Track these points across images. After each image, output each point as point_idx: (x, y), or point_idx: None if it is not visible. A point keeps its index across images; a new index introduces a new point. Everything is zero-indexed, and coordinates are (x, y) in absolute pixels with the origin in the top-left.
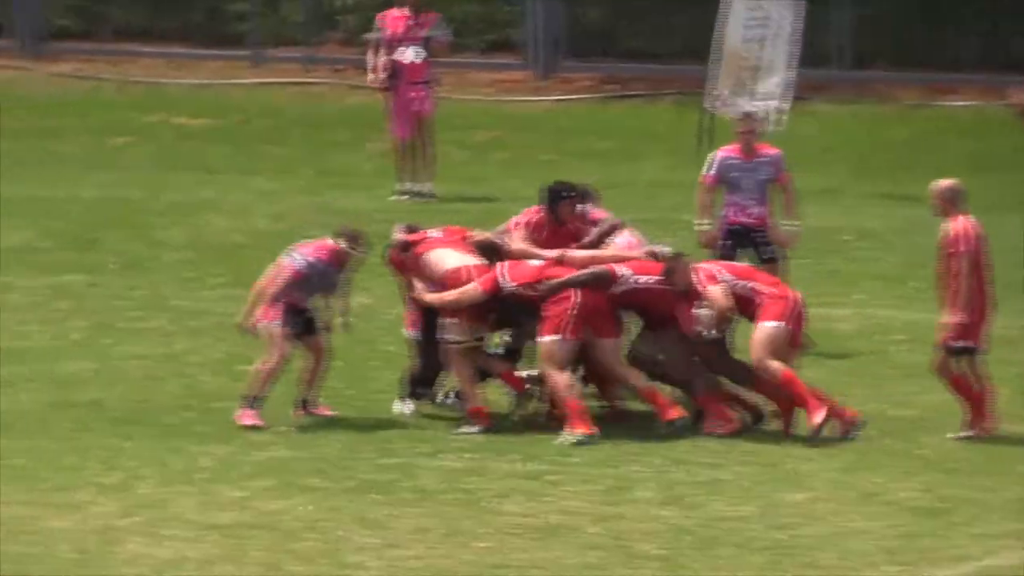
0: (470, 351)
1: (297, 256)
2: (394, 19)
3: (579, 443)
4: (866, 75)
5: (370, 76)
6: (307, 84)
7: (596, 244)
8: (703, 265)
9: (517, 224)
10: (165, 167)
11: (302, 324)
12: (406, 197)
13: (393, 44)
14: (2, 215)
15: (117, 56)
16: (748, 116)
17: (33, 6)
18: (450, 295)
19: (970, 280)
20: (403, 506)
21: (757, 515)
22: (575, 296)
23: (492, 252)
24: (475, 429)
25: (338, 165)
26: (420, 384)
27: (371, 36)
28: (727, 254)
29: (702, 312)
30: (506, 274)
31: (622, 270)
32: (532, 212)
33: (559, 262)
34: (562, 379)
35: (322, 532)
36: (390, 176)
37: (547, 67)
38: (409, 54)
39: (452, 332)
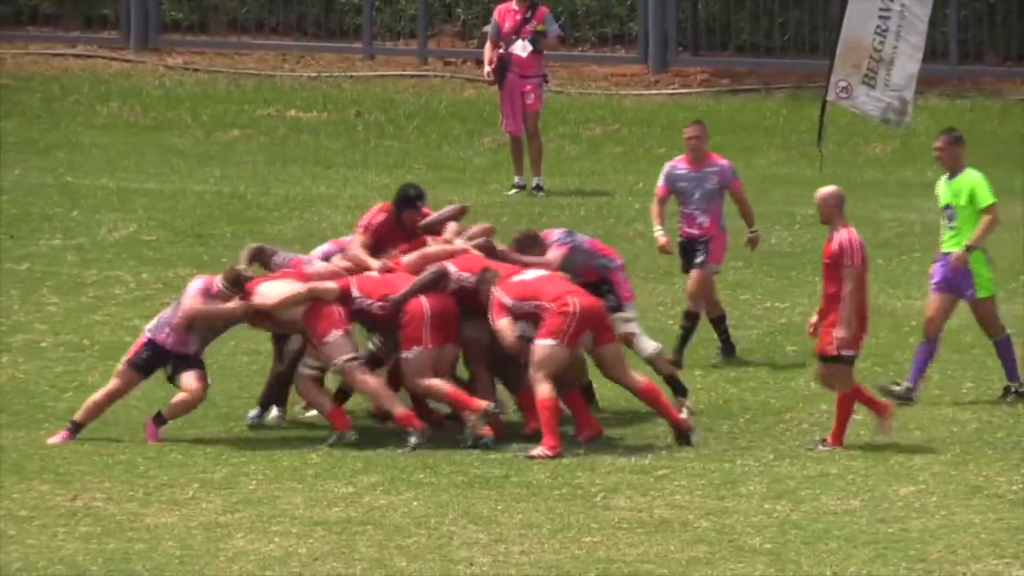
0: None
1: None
2: (505, 13)
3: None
4: (971, 70)
5: (486, 69)
6: (421, 77)
7: (435, 228)
8: (496, 292)
9: (364, 226)
10: (278, 161)
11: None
12: (514, 191)
13: (504, 38)
14: (111, 208)
15: (230, 49)
16: (696, 123)
17: (148, 1)
18: (302, 288)
19: (859, 292)
20: (512, 501)
21: (864, 509)
22: (424, 305)
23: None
24: (415, 441)
25: (452, 159)
26: (278, 392)
27: (487, 29)
28: (685, 269)
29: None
30: (355, 286)
31: (451, 267)
32: (376, 211)
33: (389, 270)
34: (433, 386)
35: (430, 527)
36: (503, 170)
37: (661, 61)
38: (519, 48)
39: (340, 351)
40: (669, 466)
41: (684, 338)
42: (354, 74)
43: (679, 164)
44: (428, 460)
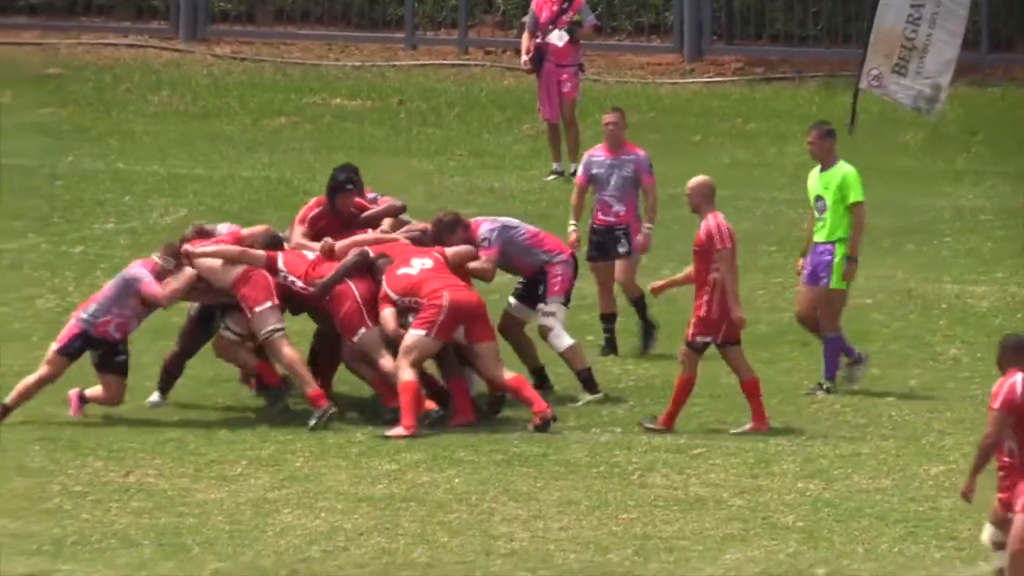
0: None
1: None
2: (543, 3)
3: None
4: (1002, 58)
5: (523, 58)
6: (462, 66)
7: (373, 223)
8: (384, 281)
9: (301, 219)
10: (323, 148)
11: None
12: (552, 177)
13: (541, 28)
14: (162, 193)
15: (276, 39)
16: (615, 110)
17: None
18: (234, 248)
19: (733, 274)
20: (551, 479)
21: (895, 488)
22: (354, 289)
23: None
24: (320, 414)
25: (492, 146)
26: (172, 374)
27: (525, 19)
28: (593, 255)
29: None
30: (281, 260)
31: (371, 253)
32: (312, 204)
33: (327, 253)
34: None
35: (471, 504)
36: (543, 157)
37: (696, 50)
38: (555, 37)
39: (268, 322)
40: (704, 445)
41: (644, 331)
42: (397, 63)
43: (596, 151)
44: (469, 439)
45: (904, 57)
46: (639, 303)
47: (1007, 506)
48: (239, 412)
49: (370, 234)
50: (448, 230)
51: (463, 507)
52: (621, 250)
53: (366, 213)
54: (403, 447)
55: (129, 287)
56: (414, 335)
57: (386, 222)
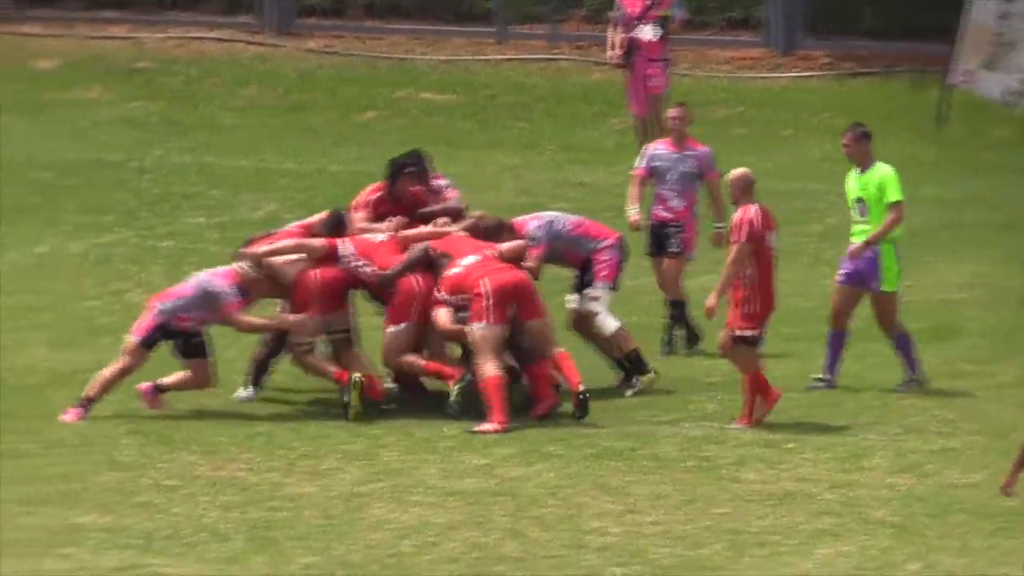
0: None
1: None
2: None
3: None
4: None
5: (608, 52)
6: (551, 60)
7: (428, 220)
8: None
9: (356, 205)
10: (412, 141)
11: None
12: None
13: (631, 22)
14: (251, 188)
15: (365, 33)
16: (679, 105)
17: None
18: (288, 242)
19: (745, 268)
20: (642, 473)
21: (988, 483)
22: (416, 283)
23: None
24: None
25: (581, 140)
26: (261, 369)
27: (613, 14)
28: (651, 251)
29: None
30: (347, 245)
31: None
32: (372, 190)
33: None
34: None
35: (562, 498)
36: (630, 151)
37: (785, 45)
38: (646, 32)
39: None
40: (796, 440)
41: (671, 328)
42: (485, 58)
43: (659, 145)
44: (559, 433)
45: (994, 52)
46: (678, 305)
47: None
48: (329, 407)
49: (427, 228)
50: (492, 234)
51: (554, 501)
52: (671, 249)
53: (422, 210)
54: (493, 442)
55: (211, 300)
56: (475, 330)
57: (440, 221)
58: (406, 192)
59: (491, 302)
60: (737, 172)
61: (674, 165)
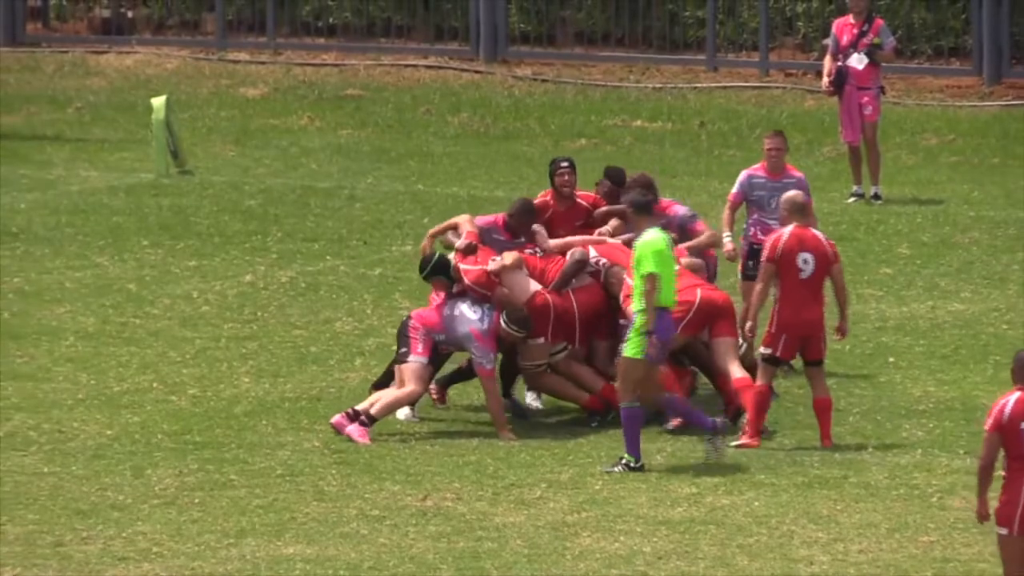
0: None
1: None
2: (843, 26)
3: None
4: None
5: (824, 81)
6: (763, 88)
7: (601, 222)
8: (628, 280)
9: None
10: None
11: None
12: (852, 199)
13: (841, 50)
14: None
15: (577, 60)
16: (776, 134)
17: (497, 13)
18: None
19: (765, 287)
20: (850, 501)
21: None
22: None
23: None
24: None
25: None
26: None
27: (827, 42)
28: (750, 274)
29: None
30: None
31: (592, 253)
32: (542, 195)
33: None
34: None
35: (770, 527)
36: (843, 179)
37: (995, 73)
38: (855, 60)
39: (535, 356)
40: (1003, 467)
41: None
42: (698, 85)
43: (757, 172)
44: (769, 461)
45: None
46: None
47: None
48: (537, 435)
49: (581, 237)
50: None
51: (763, 530)
52: None
53: (600, 209)
54: (703, 470)
55: (462, 340)
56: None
57: (613, 223)
58: (561, 184)
59: (693, 316)
60: (787, 195)
61: (774, 193)
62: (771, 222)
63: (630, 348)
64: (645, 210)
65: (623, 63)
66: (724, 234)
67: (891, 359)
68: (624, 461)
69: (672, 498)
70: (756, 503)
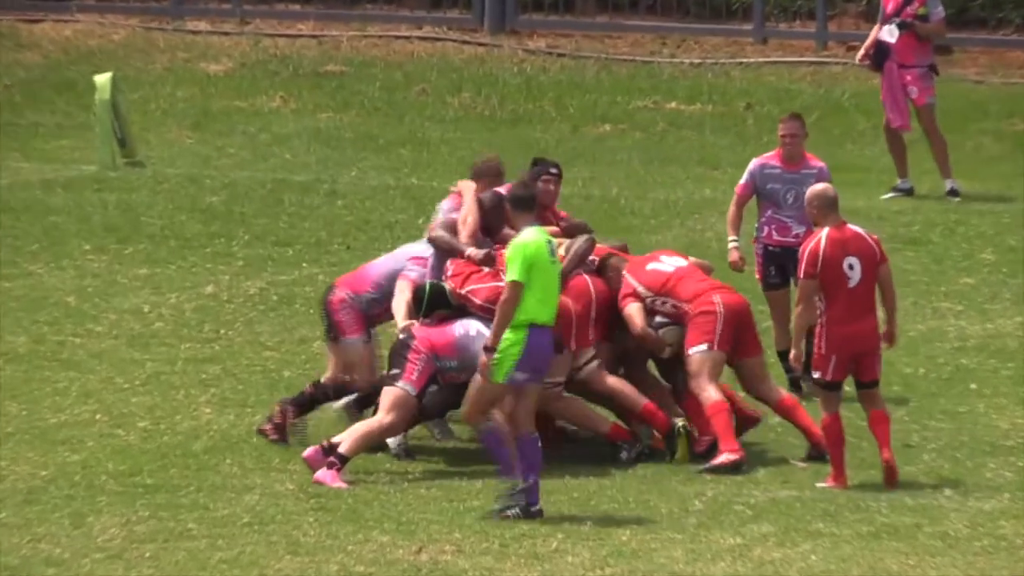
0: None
1: None
2: None
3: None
4: None
5: (859, 54)
6: (820, 64)
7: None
8: (627, 277)
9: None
10: (655, 160)
11: None
12: (892, 195)
13: (885, 20)
14: None
15: (599, 31)
16: (792, 118)
17: None
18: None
19: (808, 306)
20: (925, 554)
21: None
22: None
23: None
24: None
25: (853, 159)
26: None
27: None
28: (772, 282)
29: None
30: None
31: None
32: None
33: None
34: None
35: None
36: (916, 170)
37: None
38: (887, 33)
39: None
40: None
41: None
42: (743, 60)
43: (770, 162)
44: (829, 507)
45: None
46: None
47: None
48: (554, 474)
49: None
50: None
51: None
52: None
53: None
54: (749, 517)
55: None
56: (697, 354)
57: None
58: (543, 196)
59: (722, 327)
60: (815, 188)
61: (791, 187)
62: (788, 220)
63: (494, 369)
64: (525, 206)
65: (654, 34)
66: (729, 237)
67: (973, 385)
68: (513, 497)
69: (713, 551)
70: (813, 557)
